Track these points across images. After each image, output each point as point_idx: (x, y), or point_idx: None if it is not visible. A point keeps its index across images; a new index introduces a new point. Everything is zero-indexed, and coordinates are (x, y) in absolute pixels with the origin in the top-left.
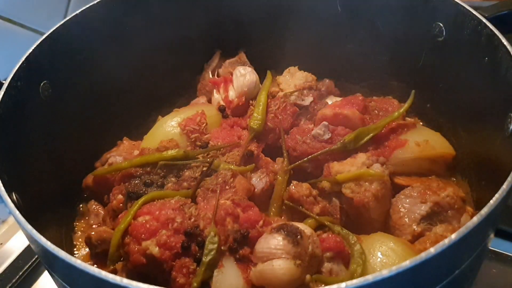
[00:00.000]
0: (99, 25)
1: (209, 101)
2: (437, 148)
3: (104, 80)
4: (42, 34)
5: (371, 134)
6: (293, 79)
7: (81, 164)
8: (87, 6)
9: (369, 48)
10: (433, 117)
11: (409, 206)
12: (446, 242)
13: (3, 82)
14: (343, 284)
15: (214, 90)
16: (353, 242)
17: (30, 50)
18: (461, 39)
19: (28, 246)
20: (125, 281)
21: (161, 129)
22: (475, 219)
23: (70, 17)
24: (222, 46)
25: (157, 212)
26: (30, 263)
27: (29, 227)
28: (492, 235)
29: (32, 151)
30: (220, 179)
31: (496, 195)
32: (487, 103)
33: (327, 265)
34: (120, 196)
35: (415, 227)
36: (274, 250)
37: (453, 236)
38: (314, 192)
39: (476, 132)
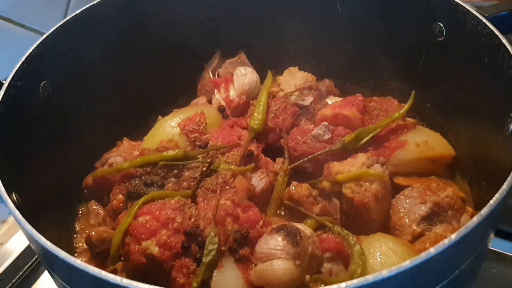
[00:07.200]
0: (99, 25)
1: (209, 101)
2: (437, 149)
3: (104, 80)
4: (42, 34)
5: (371, 135)
6: (293, 79)
7: (81, 164)
8: (87, 6)
9: (369, 48)
10: (433, 117)
11: (409, 207)
12: (446, 242)
13: (3, 82)
14: (343, 284)
15: (215, 91)
16: (353, 242)
17: (30, 50)
18: (461, 39)
19: (28, 246)
20: (125, 281)
21: (161, 130)
22: (475, 219)
23: (70, 17)
24: (222, 46)
25: (157, 212)
26: (30, 263)
27: (29, 227)
28: (492, 235)
29: (32, 151)
30: (220, 179)
31: (496, 195)
32: (487, 103)
33: (326, 266)
34: (120, 196)
35: (415, 227)
36: (274, 251)
37: (453, 236)
38: (314, 192)
39: (476, 132)
